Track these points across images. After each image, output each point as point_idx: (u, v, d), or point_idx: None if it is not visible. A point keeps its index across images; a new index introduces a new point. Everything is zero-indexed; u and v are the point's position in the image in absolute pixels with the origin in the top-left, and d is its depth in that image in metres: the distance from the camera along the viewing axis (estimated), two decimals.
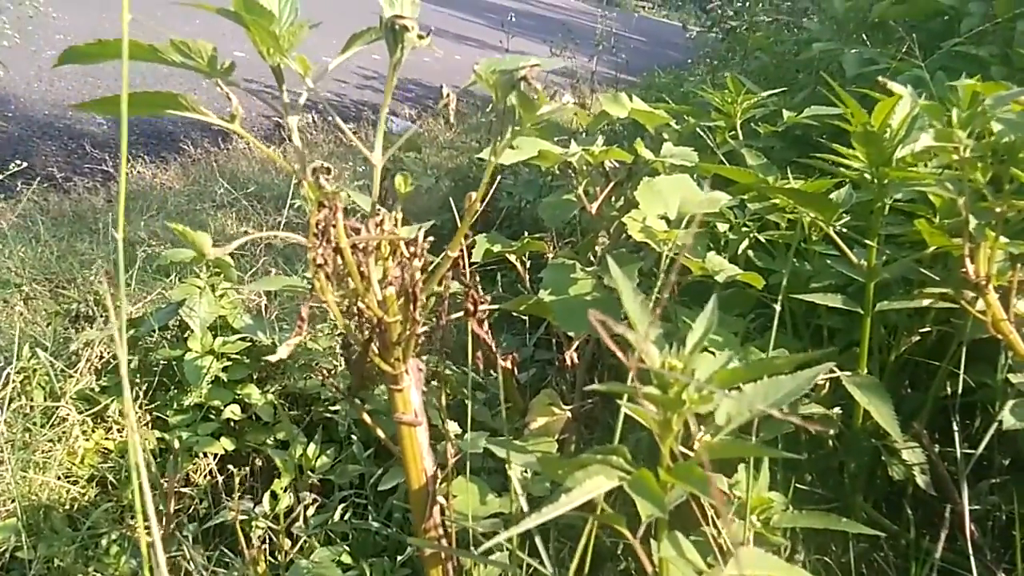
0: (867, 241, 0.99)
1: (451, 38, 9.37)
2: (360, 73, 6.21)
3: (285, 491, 1.26)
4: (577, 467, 0.52)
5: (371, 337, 0.63)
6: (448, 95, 0.66)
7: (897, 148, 0.85)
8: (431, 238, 0.78)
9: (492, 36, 9.76)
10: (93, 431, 1.61)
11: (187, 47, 0.60)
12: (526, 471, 1.04)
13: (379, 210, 0.63)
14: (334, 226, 0.58)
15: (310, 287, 0.59)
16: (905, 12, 1.91)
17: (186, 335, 1.70)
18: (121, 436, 1.63)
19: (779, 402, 0.55)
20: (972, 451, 0.97)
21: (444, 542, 0.80)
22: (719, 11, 3.83)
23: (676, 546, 0.57)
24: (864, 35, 1.89)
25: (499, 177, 3.19)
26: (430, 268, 0.64)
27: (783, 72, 2.23)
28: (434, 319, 0.87)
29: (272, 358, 0.60)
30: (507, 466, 0.98)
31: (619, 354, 0.44)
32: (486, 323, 0.92)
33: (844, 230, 1.09)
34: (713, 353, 0.92)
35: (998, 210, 0.76)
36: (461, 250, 0.67)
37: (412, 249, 0.62)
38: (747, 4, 3.95)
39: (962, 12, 1.77)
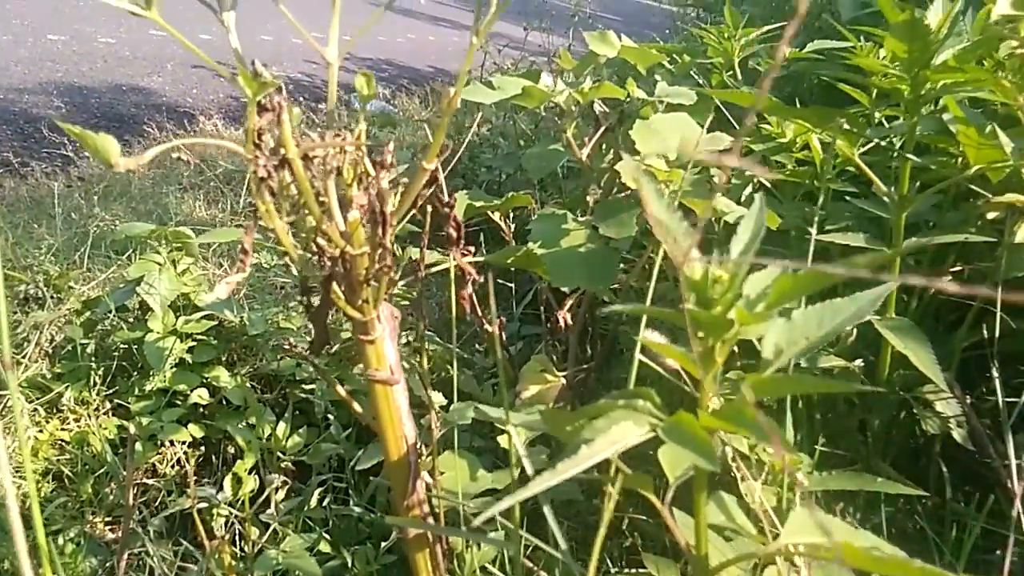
0: (905, 160, 0.88)
1: (425, 19, 9.20)
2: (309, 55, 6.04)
3: (250, 473, 1.14)
4: (594, 415, 0.41)
5: (332, 275, 0.52)
6: None
7: (941, 45, 0.75)
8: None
9: (467, 17, 9.60)
10: (47, 421, 1.49)
11: None
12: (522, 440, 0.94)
13: (337, 121, 0.51)
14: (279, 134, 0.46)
15: (252, 210, 0.48)
16: None
17: (146, 316, 1.57)
18: (78, 426, 1.50)
19: (837, 329, 0.44)
20: (1014, 400, 0.87)
21: (431, 521, 0.69)
22: None
23: (723, 509, 0.46)
24: None
25: (476, 151, 3.08)
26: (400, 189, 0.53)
27: (773, 21, 2.12)
28: (413, 274, 0.76)
29: (208, 297, 0.49)
30: (504, 428, 0.88)
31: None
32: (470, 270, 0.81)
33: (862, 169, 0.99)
34: None
35: None
36: (437, 168, 0.56)
37: (379, 161, 0.51)
38: None
39: None
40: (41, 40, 4.65)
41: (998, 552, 1.02)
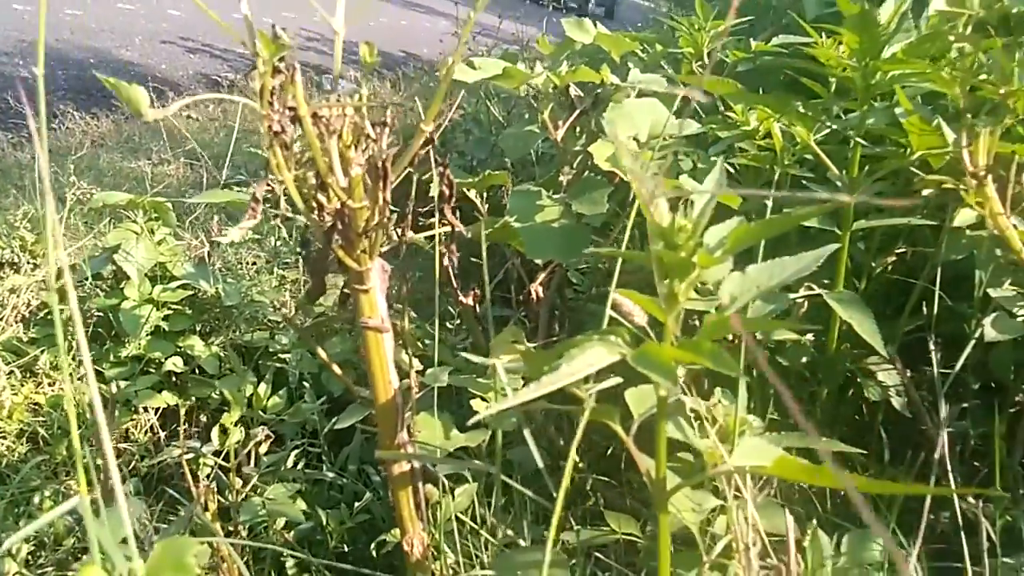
0: (855, 146, 0.95)
1: (399, 3, 9.16)
2: (302, 35, 6.01)
3: (236, 426, 1.18)
4: (571, 347, 0.46)
5: (333, 227, 0.57)
6: None
7: (891, 39, 0.82)
8: None
9: (439, 3, 9.57)
10: (22, 384, 1.50)
11: None
12: (489, 405, 0.99)
13: (341, 83, 0.56)
14: (292, 94, 0.51)
15: (265, 162, 0.52)
16: None
17: (122, 283, 1.59)
18: (53, 390, 1.52)
19: (784, 281, 0.51)
20: (948, 371, 0.95)
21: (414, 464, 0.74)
22: None
23: (680, 430, 0.52)
24: None
25: (448, 136, 3.12)
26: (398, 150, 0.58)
27: (742, 14, 2.20)
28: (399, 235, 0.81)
29: (223, 240, 0.53)
30: (478, 394, 0.93)
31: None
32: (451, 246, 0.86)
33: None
34: None
35: (1002, 91, 0.73)
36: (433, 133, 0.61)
37: (381, 121, 0.55)
38: None
39: None
40: (6, 10, 4.56)
41: (931, 516, 1.11)
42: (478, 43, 4.68)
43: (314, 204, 0.61)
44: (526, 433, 0.54)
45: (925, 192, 0.87)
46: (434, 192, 0.82)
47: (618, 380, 0.60)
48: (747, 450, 0.50)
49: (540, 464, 0.55)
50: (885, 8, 0.84)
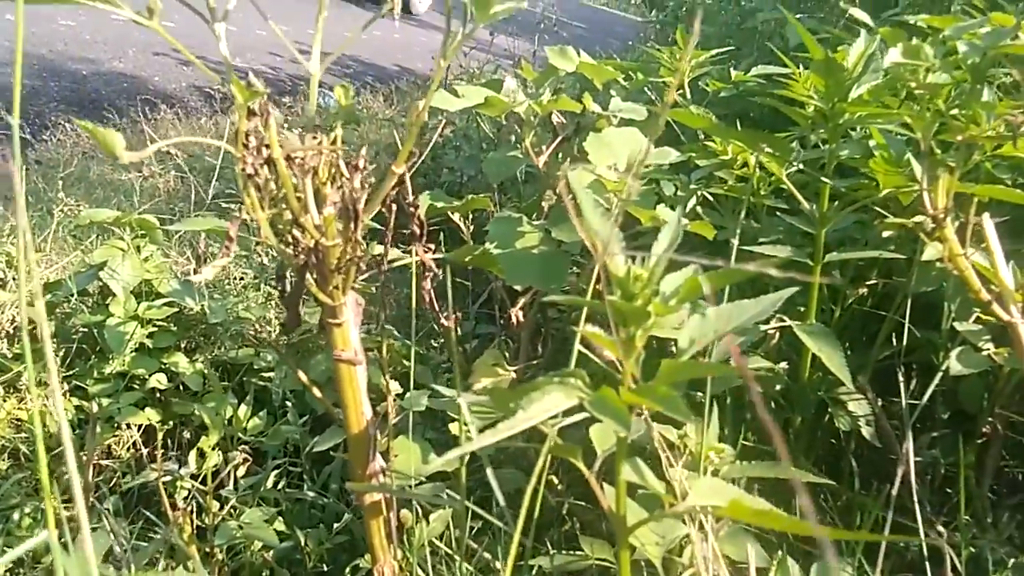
0: (822, 185, 0.98)
1: (392, 15, 9.18)
2: (297, 47, 6.03)
3: (213, 450, 1.19)
4: (531, 390, 0.48)
5: (307, 264, 0.58)
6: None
7: (856, 81, 0.84)
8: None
9: (435, 17, 9.61)
10: (4, 400, 1.51)
11: None
12: (469, 433, 1.00)
13: (317, 126, 0.57)
14: (266, 138, 0.52)
15: (239, 204, 0.54)
16: None
17: (108, 300, 1.60)
18: (36, 406, 1.52)
19: (744, 324, 0.52)
20: (916, 402, 0.97)
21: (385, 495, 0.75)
22: None
23: (637, 472, 0.54)
24: (804, 4, 1.90)
25: (439, 152, 3.14)
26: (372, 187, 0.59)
27: (725, 44, 2.23)
28: (376, 266, 0.82)
29: (196, 278, 0.55)
30: (456, 418, 0.94)
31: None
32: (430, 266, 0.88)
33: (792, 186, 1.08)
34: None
35: (959, 137, 0.76)
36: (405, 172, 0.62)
37: (353, 163, 0.57)
38: None
39: None
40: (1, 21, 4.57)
41: (902, 544, 1.12)
42: (471, 58, 4.71)
43: (289, 238, 0.62)
44: (489, 472, 0.55)
45: (886, 234, 0.89)
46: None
47: (586, 414, 0.61)
48: (704, 490, 0.51)
49: (501, 502, 0.56)
50: (854, 50, 0.86)
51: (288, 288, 0.62)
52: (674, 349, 0.64)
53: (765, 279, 1.26)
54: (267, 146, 0.53)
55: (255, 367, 1.65)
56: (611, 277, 0.45)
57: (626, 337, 0.47)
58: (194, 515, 1.02)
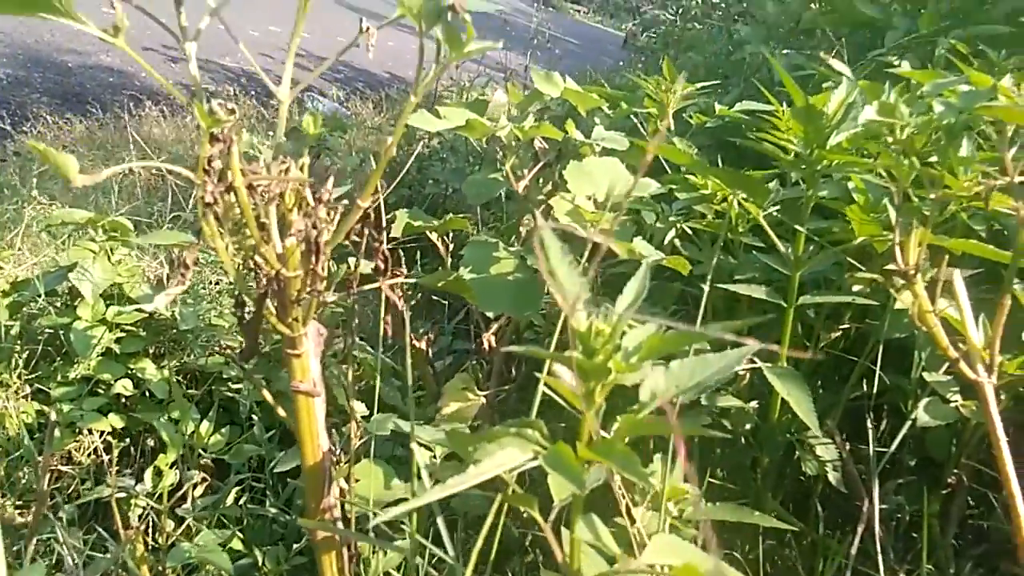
0: (796, 229, 0.97)
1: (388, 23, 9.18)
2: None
3: (171, 468, 1.17)
4: (488, 440, 0.47)
5: (266, 293, 0.57)
6: (367, 28, 0.60)
7: (835, 129, 0.84)
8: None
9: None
10: None
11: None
12: (435, 457, 0.99)
13: (284, 152, 0.56)
14: (227, 163, 0.51)
15: (197, 231, 0.52)
16: (833, 22, 1.95)
17: (76, 302, 1.57)
18: None
19: (707, 380, 0.51)
20: (884, 449, 0.97)
21: (340, 525, 0.74)
22: (652, 14, 3.86)
23: (592, 529, 0.52)
24: (793, 41, 1.92)
25: (425, 163, 3.12)
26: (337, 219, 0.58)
27: (713, 75, 2.24)
28: (345, 289, 0.81)
29: (148, 307, 0.53)
30: (420, 441, 0.93)
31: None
32: (398, 289, 0.86)
33: (769, 226, 1.08)
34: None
35: (932, 197, 0.76)
36: (374, 205, 0.61)
37: (318, 195, 0.56)
38: (680, 10, 3.99)
39: (887, 25, 1.80)
40: None
41: None
42: (463, 70, 4.71)
43: (251, 265, 0.60)
44: (439, 521, 0.54)
45: (855, 288, 0.89)
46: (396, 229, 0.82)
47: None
48: (661, 547, 0.50)
49: (451, 552, 0.55)
50: (835, 97, 0.86)
51: (246, 316, 0.61)
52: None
53: (745, 305, 1.26)
54: (229, 173, 0.52)
55: (224, 376, 1.62)
56: (573, 332, 0.44)
57: (586, 391, 0.46)
58: (149, 534, 0.99)
